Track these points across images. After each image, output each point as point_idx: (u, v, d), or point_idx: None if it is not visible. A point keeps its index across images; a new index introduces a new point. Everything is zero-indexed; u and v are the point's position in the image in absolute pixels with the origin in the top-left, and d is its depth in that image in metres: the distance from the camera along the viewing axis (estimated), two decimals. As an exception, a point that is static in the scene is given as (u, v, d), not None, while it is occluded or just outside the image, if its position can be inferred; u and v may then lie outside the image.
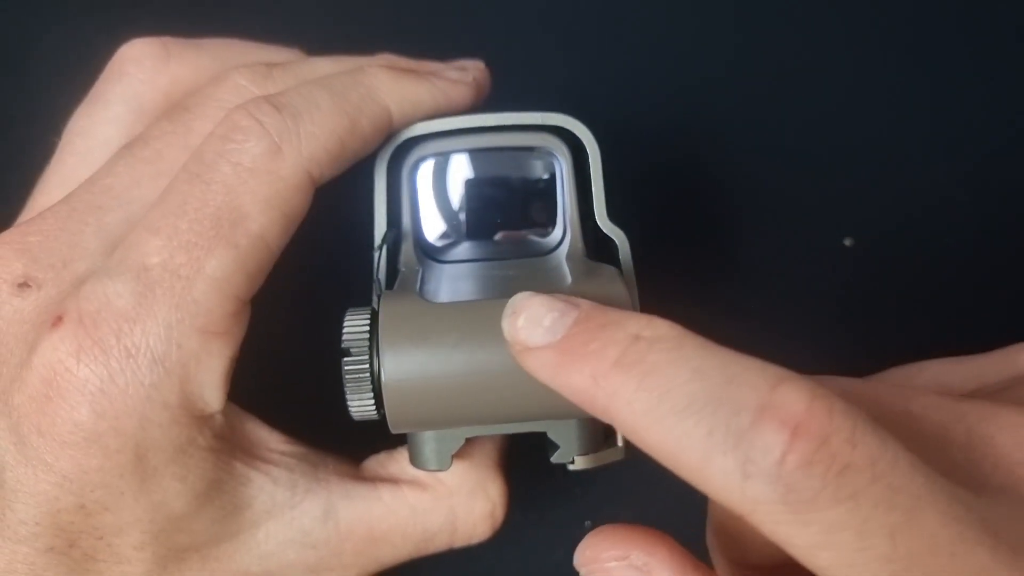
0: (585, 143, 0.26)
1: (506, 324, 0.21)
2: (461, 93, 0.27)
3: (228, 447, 0.24)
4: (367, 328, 0.23)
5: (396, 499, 0.26)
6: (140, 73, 0.27)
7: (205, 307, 0.23)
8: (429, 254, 0.27)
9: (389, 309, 0.23)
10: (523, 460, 0.28)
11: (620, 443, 0.25)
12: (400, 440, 0.27)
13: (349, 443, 0.27)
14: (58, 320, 0.22)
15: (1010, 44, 0.37)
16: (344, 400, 0.23)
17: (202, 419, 0.23)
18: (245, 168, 0.23)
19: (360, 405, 0.23)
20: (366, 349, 0.23)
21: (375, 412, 0.23)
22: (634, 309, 0.23)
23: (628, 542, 0.21)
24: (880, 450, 0.18)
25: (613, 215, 0.26)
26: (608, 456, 0.25)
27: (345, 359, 0.23)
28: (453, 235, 0.28)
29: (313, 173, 0.24)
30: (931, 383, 0.26)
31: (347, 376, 0.23)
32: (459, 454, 0.26)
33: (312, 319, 0.32)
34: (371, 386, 0.23)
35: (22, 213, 0.28)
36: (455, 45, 0.29)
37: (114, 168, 0.25)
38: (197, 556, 0.24)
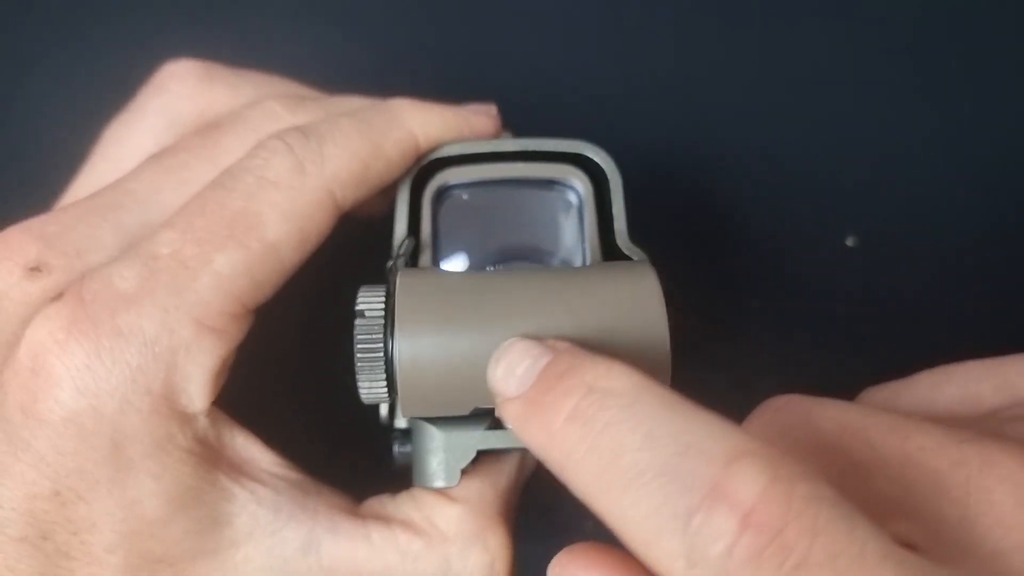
0: (607, 171, 0.26)
1: (489, 372, 0.21)
2: (483, 122, 0.27)
3: (212, 456, 0.24)
4: (382, 304, 0.23)
5: (385, 540, 0.25)
6: (181, 89, 0.28)
7: (205, 298, 0.23)
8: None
9: (407, 283, 0.23)
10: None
11: None
12: (408, 483, 0.26)
13: (360, 484, 0.26)
14: (58, 296, 0.22)
15: (1011, 43, 0.37)
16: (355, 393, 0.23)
17: (184, 416, 0.23)
18: (268, 181, 0.24)
19: (371, 388, 0.22)
20: (380, 327, 0.22)
21: (387, 395, 0.22)
22: (661, 305, 0.22)
23: (594, 566, 0.20)
24: (845, 542, 0.16)
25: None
26: None
27: (358, 337, 0.22)
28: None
29: (336, 193, 0.25)
30: (959, 393, 0.24)
31: (359, 356, 0.22)
32: (459, 497, 0.24)
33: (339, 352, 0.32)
34: (384, 367, 0.22)
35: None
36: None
37: (140, 174, 0.26)
38: (170, 571, 0.23)
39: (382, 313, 0.23)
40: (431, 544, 0.25)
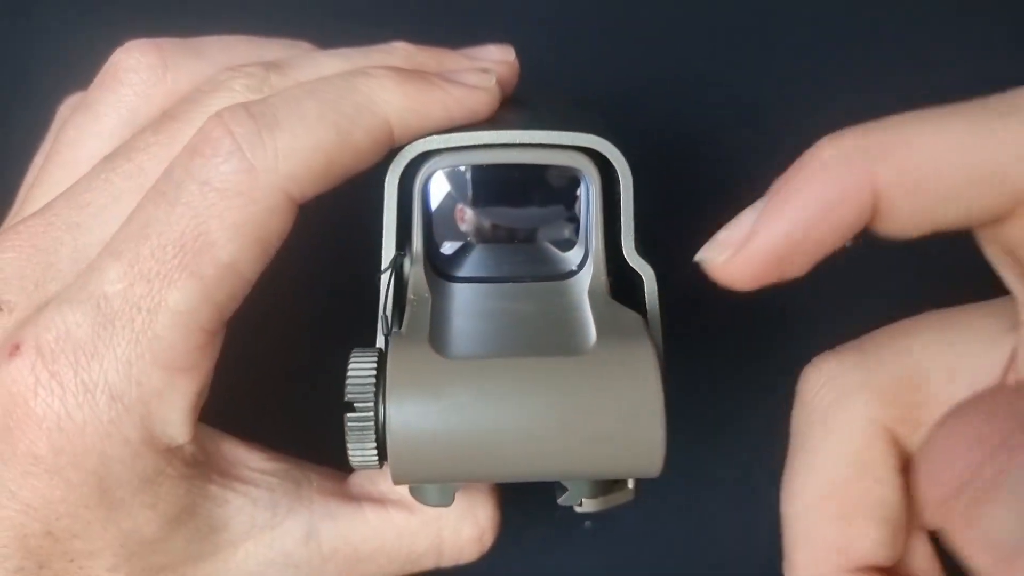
0: (618, 169, 0.24)
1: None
2: (479, 101, 0.24)
3: (202, 471, 0.24)
4: (373, 375, 0.22)
5: (382, 520, 0.25)
6: (135, 84, 0.26)
7: (167, 342, 0.21)
8: (438, 267, 0.26)
9: (398, 359, 0.21)
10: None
11: (631, 485, 0.24)
12: None
13: (334, 448, 0.26)
14: (15, 349, 0.21)
15: (1009, 44, 0.37)
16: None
17: (169, 450, 0.23)
18: (213, 189, 0.21)
19: (362, 455, 0.22)
20: (371, 398, 0.22)
21: (377, 463, 0.22)
22: (659, 364, 0.21)
23: None
24: None
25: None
26: (617, 499, 0.24)
27: (348, 408, 0.22)
28: (462, 236, 0.26)
29: (293, 193, 0.22)
30: None
31: (350, 425, 0.22)
32: None
33: (297, 320, 0.31)
34: (375, 437, 0.22)
35: (8, 220, 0.28)
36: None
37: (93, 182, 0.24)
38: (174, 575, 0.24)
39: (372, 392, 0.22)
40: (425, 522, 0.25)
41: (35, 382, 0.21)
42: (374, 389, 0.21)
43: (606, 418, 0.21)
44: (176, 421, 0.22)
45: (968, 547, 0.15)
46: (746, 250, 0.19)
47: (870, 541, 0.21)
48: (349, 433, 0.22)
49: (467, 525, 0.26)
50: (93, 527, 0.22)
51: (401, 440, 0.21)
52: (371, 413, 0.21)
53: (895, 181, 0.18)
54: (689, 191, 0.35)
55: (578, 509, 0.24)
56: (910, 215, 0.19)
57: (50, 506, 0.22)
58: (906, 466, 0.20)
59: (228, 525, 0.24)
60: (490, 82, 0.24)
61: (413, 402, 0.21)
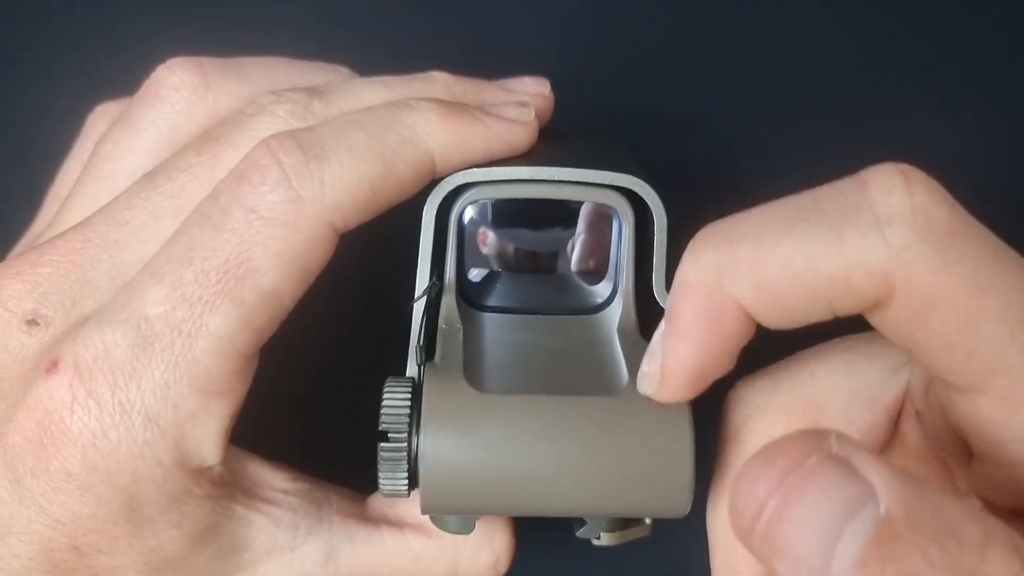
0: (653, 210, 0.24)
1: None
2: (518, 135, 0.25)
3: (228, 492, 0.24)
4: (408, 405, 0.22)
5: (399, 545, 0.26)
6: (176, 103, 0.26)
7: (205, 366, 0.22)
8: (467, 296, 0.26)
9: (434, 392, 0.22)
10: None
11: (648, 520, 0.24)
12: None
13: (354, 468, 0.26)
14: (53, 365, 0.22)
15: (1009, 46, 0.37)
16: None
17: (199, 472, 0.23)
18: (259, 217, 0.22)
19: (392, 484, 0.22)
20: (405, 429, 0.22)
21: (406, 492, 0.22)
22: (689, 407, 0.22)
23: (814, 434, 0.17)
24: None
25: None
26: (634, 533, 0.24)
27: (381, 437, 0.22)
28: (484, 260, 0.27)
29: (336, 223, 0.22)
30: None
31: (383, 455, 0.22)
32: None
33: (321, 339, 0.31)
34: (407, 467, 0.22)
35: (36, 224, 0.28)
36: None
37: (133, 199, 0.24)
38: None
39: (407, 423, 0.22)
40: (442, 547, 0.26)
41: (72, 400, 0.21)
42: (408, 420, 0.22)
43: (637, 460, 0.21)
44: (208, 443, 0.23)
45: (778, 571, 0.16)
46: (667, 378, 0.21)
47: None
48: (382, 462, 0.22)
49: (484, 552, 0.26)
50: (119, 543, 0.22)
51: (434, 472, 0.21)
52: (404, 444, 0.22)
53: (753, 297, 0.19)
54: (682, 190, 0.36)
55: (596, 542, 0.24)
56: (778, 318, 0.20)
57: (78, 522, 0.22)
58: None
59: (250, 545, 0.24)
60: (529, 116, 0.25)
61: (448, 436, 0.21)
